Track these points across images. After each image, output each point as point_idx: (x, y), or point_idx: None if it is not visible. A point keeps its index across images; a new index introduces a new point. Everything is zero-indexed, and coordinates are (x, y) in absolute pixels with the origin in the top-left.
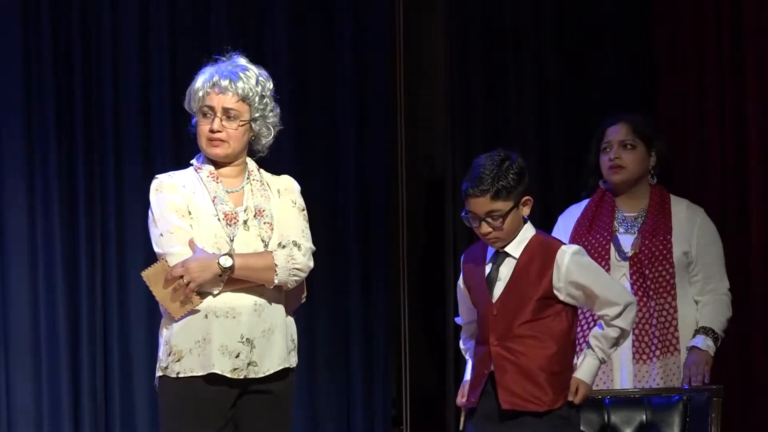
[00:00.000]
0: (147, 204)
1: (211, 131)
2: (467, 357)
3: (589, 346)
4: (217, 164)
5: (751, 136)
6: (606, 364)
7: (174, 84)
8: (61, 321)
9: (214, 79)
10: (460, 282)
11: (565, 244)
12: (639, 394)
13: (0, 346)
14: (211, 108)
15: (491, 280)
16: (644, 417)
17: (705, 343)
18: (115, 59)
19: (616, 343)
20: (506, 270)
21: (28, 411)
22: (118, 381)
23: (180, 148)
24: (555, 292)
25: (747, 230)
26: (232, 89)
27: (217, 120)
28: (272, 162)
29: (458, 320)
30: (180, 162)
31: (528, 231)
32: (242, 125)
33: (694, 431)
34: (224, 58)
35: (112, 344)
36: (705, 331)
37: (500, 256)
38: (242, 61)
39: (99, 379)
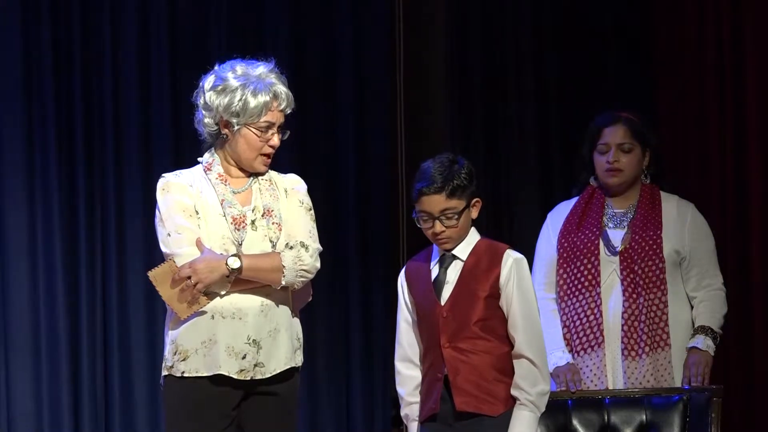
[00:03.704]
0: (147, 204)
1: (272, 147)
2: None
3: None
4: (228, 165)
5: (751, 136)
6: (597, 362)
7: (174, 84)
8: (61, 321)
9: (279, 97)
10: (403, 301)
11: (510, 248)
12: (639, 394)
13: (0, 346)
14: (273, 124)
15: (439, 284)
16: (644, 417)
17: (705, 343)
18: (115, 60)
19: (534, 382)
20: (454, 273)
21: (28, 411)
22: (118, 381)
23: (180, 148)
24: (500, 290)
25: (747, 230)
26: (289, 108)
27: (276, 136)
28: (272, 161)
29: (401, 391)
30: (180, 162)
31: (474, 235)
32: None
33: (694, 431)
34: (261, 63)
35: (112, 344)
36: (704, 330)
37: (447, 259)
38: (275, 70)
39: (99, 379)
